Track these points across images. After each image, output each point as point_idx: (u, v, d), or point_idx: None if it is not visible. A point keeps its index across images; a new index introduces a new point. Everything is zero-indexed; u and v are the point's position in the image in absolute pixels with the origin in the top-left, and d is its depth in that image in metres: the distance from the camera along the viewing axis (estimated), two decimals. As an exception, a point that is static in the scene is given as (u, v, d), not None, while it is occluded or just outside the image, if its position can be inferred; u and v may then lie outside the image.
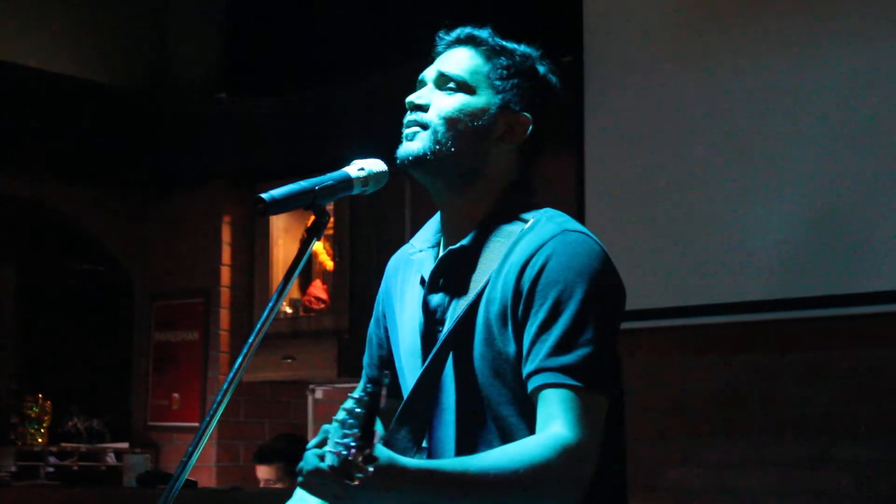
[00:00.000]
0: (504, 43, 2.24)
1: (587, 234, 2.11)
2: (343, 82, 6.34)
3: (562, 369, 1.97)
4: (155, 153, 6.93)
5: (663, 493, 5.10)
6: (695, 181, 5.10)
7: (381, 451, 1.77)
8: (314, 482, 1.82)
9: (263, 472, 5.88)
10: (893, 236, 4.61)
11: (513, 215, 2.16)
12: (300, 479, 1.85)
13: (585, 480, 1.97)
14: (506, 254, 2.10)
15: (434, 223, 2.31)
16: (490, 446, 2.03)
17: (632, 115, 5.31)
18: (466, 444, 2.08)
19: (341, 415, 1.73)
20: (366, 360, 2.47)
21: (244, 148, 6.78)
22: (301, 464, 1.84)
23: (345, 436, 1.70)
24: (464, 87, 2.19)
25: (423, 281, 2.23)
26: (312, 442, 1.84)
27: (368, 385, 1.70)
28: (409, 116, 2.20)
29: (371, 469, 1.69)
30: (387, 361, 2.37)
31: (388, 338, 2.36)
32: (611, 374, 2.04)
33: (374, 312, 2.43)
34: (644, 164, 5.25)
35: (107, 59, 6.60)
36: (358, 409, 1.69)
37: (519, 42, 2.27)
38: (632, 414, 5.24)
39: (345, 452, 1.69)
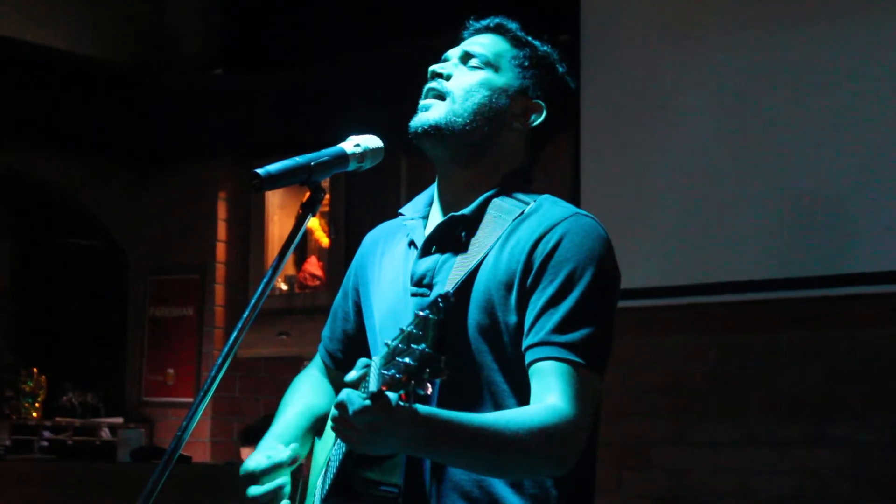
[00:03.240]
0: (529, 38, 2.32)
1: (596, 221, 2.16)
2: (340, 59, 6.32)
3: (566, 345, 2.02)
4: (151, 129, 6.92)
5: (657, 471, 5.12)
6: (690, 160, 5.10)
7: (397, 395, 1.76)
8: (358, 421, 1.76)
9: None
10: (890, 217, 4.62)
11: (512, 196, 2.21)
12: (334, 415, 1.80)
13: (576, 455, 2.01)
14: (510, 229, 2.14)
15: (425, 195, 2.35)
16: (476, 411, 2.05)
17: (627, 93, 5.30)
18: (448, 408, 2.09)
19: (394, 341, 1.69)
20: (326, 333, 2.51)
21: (240, 124, 6.77)
22: (341, 398, 1.78)
23: (399, 353, 1.66)
24: (489, 65, 2.25)
25: (412, 244, 2.27)
26: (350, 376, 1.81)
27: (440, 301, 1.65)
28: (430, 84, 2.25)
29: (437, 381, 1.64)
30: (351, 335, 2.42)
31: (356, 311, 2.40)
32: (606, 357, 2.09)
33: (342, 286, 2.48)
34: (639, 141, 5.24)
35: (104, 35, 6.57)
36: (431, 316, 1.64)
37: (543, 41, 2.35)
38: (627, 392, 5.26)
39: (398, 375, 1.65)
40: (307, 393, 2.48)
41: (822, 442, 4.76)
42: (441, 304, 1.63)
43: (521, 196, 2.21)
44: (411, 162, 5.97)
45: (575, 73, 5.25)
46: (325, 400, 2.48)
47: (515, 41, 2.29)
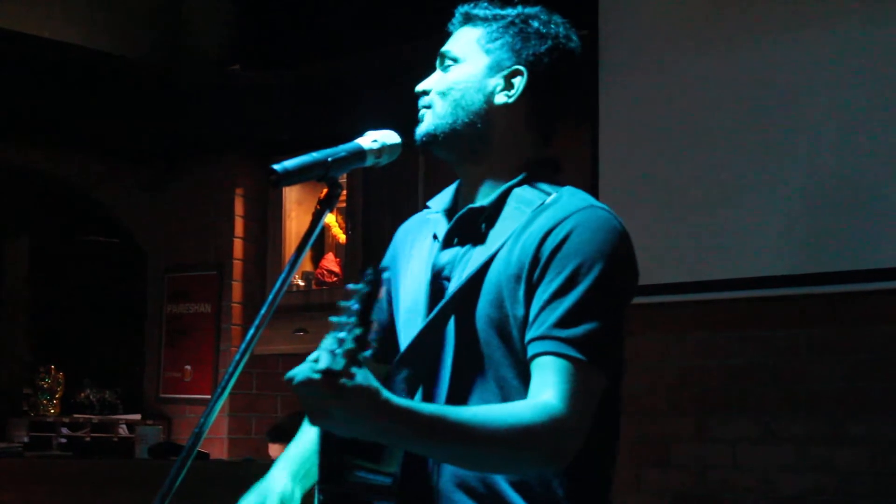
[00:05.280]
0: (498, 10, 2.25)
1: (611, 213, 2.11)
2: (357, 54, 6.31)
3: (566, 340, 1.98)
4: (168, 125, 6.92)
5: (676, 468, 5.10)
6: (710, 156, 5.08)
7: (364, 374, 1.76)
8: (302, 392, 1.77)
9: (276, 451, 5.87)
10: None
11: (535, 186, 2.18)
12: (293, 386, 1.81)
13: (567, 454, 1.97)
14: (527, 221, 2.11)
15: (451, 189, 2.34)
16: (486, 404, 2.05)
17: (647, 90, 5.28)
18: (456, 402, 2.08)
19: (339, 318, 1.71)
20: None
21: (257, 120, 6.77)
22: (293, 371, 1.79)
23: (340, 328, 1.71)
24: (456, 60, 2.23)
25: (435, 237, 2.26)
26: (314, 354, 1.79)
27: (367, 274, 1.70)
28: (419, 102, 2.26)
29: (366, 353, 1.68)
30: (385, 325, 2.39)
31: (389, 301, 2.38)
32: (613, 354, 2.05)
33: None
34: (659, 138, 5.22)
35: (120, 31, 6.58)
36: (353, 304, 1.69)
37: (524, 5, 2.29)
38: (646, 389, 5.24)
39: (338, 350, 1.70)
40: None
41: (843, 438, 4.74)
42: (367, 277, 1.66)
43: (545, 186, 2.17)
44: (428, 158, 5.96)
45: (594, 62, 5.26)
46: None
47: (482, 21, 2.24)
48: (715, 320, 5.10)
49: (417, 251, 2.31)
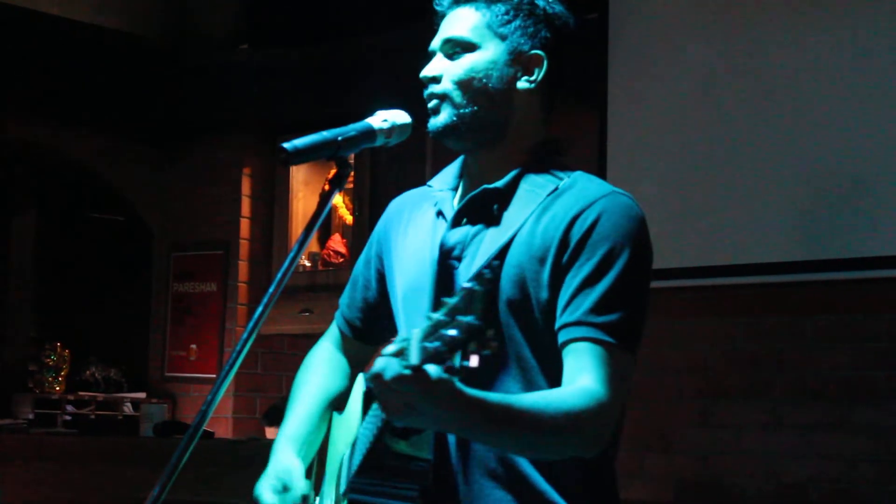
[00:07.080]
0: None
1: (633, 200, 2.14)
2: (366, 34, 6.30)
3: (602, 326, 2.01)
4: (176, 104, 6.92)
5: (680, 454, 5.10)
6: (718, 141, 5.06)
7: (437, 368, 1.71)
8: (394, 387, 1.72)
9: (273, 434, 5.87)
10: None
11: (545, 170, 2.17)
12: (371, 384, 1.77)
13: (607, 437, 2.01)
14: (545, 204, 2.11)
15: (455, 167, 2.32)
16: (504, 387, 2.06)
17: (656, 73, 5.27)
18: (479, 383, 2.08)
19: (437, 314, 1.66)
20: (345, 300, 2.48)
21: (265, 100, 6.76)
22: (379, 367, 1.74)
23: (443, 325, 1.63)
24: (469, 47, 2.17)
25: (440, 215, 2.24)
26: (389, 350, 1.76)
27: (485, 272, 1.63)
28: (427, 90, 2.20)
29: (485, 353, 1.62)
30: (371, 304, 2.40)
31: (379, 279, 2.38)
32: (640, 337, 2.09)
33: (364, 253, 2.46)
34: (667, 122, 5.21)
35: (129, 8, 6.57)
36: (478, 288, 1.62)
37: None
38: (652, 374, 5.22)
39: (442, 347, 1.63)
40: (320, 373, 2.47)
41: (847, 425, 4.74)
42: (487, 276, 1.61)
43: (555, 171, 2.17)
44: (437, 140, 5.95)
45: (603, 45, 5.23)
46: (339, 377, 2.47)
47: (485, 4, 2.18)
48: (721, 306, 5.09)
49: (415, 228, 2.28)
